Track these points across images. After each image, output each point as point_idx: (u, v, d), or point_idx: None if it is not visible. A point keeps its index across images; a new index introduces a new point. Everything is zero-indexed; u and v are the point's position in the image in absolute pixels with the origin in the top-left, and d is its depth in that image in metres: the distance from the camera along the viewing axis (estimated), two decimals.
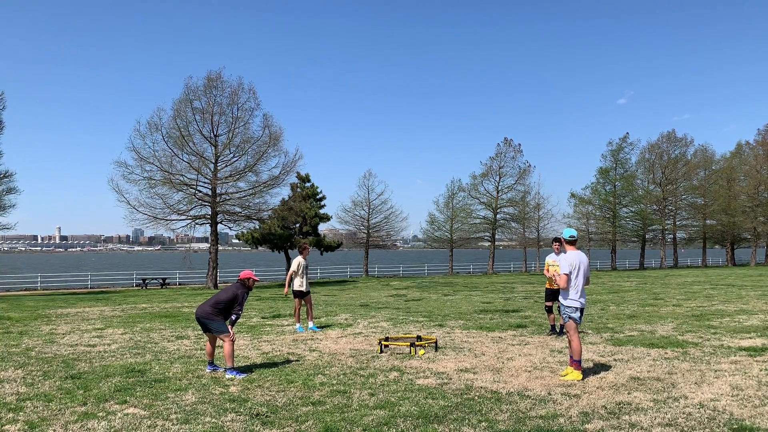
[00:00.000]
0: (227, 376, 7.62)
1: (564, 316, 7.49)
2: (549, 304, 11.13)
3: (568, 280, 7.41)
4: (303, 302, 12.22)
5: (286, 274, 36.19)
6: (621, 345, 9.69)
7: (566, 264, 7.43)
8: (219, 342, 8.59)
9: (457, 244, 53.01)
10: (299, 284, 12.14)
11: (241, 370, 7.96)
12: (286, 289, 12.34)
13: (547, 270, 10.96)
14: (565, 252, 7.66)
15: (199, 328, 12.86)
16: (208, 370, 7.96)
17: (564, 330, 7.68)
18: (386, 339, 9.79)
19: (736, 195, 56.91)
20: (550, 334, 10.88)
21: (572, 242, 7.65)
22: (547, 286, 11.21)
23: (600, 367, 7.92)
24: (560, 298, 7.56)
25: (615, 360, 8.42)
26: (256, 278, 8.27)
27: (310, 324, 12.16)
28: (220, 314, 7.89)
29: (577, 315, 7.40)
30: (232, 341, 7.82)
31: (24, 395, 6.80)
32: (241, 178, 32.98)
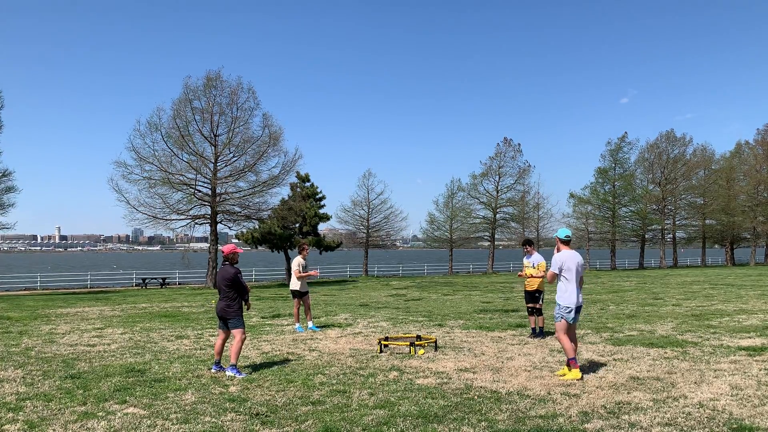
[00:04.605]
0: (227, 374, 7.64)
1: (557, 316, 7.52)
2: (530, 305, 10.87)
3: (557, 278, 7.50)
4: (301, 302, 12.22)
5: (286, 274, 36.43)
6: (620, 345, 9.69)
7: (555, 263, 7.54)
8: (227, 344, 8.67)
9: (456, 244, 53.01)
10: (298, 284, 12.13)
11: (242, 370, 7.94)
12: (298, 283, 12.14)
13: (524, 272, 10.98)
14: (558, 251, 7.70)
15: (197, 329, 12.88)
16: (213, 370, 7.94)
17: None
18: (386, 339, 9.79)
19: (736, 195, 56.84)
20: (534, 337, 10.59)
21: (567, 242, 7.71)
22: (526, 288, 11.07)
23: (599, 367, 7.92)
24: (556, 298, 7.60)
25: (614, 360, 8.42)
26: (240, 250, 8.38)
27: (310, 324, 12.16)
28: (237, 305, 7.99)
29: (571, 315, 7.42)
30: (243, 340, 7.90)
31: (24, 395, 6.80)
32: (240, 178, 33.03)
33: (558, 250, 7.68)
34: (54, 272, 54.63)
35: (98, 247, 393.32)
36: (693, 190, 57.07)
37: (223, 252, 8.25)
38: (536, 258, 10.91)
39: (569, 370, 7.33)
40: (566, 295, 7.46)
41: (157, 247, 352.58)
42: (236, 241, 36.86)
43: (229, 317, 7.96)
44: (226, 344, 8.41)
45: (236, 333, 7.94)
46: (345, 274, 47.58)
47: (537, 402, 6.22)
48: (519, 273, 11.32)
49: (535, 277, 10.83)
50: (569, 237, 7.76)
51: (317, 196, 38.87)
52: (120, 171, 30.79)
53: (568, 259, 7.50)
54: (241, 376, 7.60)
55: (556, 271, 7.51)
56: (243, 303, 8.16)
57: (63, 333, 12.18)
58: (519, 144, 63.02)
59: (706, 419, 5.53)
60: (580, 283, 7.57)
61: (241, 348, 7.89)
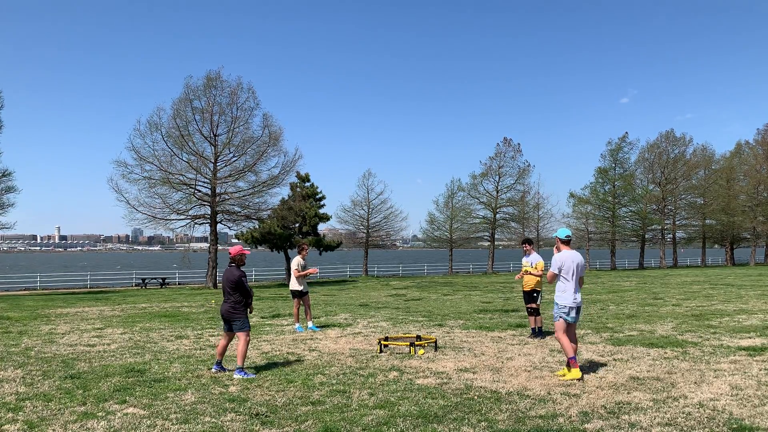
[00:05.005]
0: (235, 376, 7.60)
1: (555, 315, 7.53)
2: (530, 306, 10.84)
3: (556, 278, 7.52)
4: (301, 302, 12.22)
5: (286, 274, 36.44)
6: (620, 345, 9.70)
7: (555, 263, 7.56)
8: (232, 345, 8.66)
9: (456, 244, 53.01)
10: (297, 284, 12.14)
11: (248, 371, 7.90)
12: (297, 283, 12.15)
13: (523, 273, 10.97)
14: (558, 251, 7.70)
15: (197, 329, 12.88)
16: (213, 370, 7.93)
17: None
18: (386, 339, 9.79)
19: (736, 195, 56.88)
20: (534, 337, 10.56)
21: (567, 242, 7.72)
22: (524, 288, 11.11)
23: (599, 367, 7.92)
24: (555, 297, 7.61)
25: (614, 360, 8.42)
26: (247, 251, 8.37)
27: (310, 324, 12.16)
28: (242, 307, 7.98)
29: (569, 315, 7.43)
30: (248, 342, 7.89)
31: (23, 395, 6.80)
32: (240, 178, 33.00)
33: (558, 250, 7.69)
34: (57, 272, 54.61)
35: (98, 247, 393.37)
36: (693, 190, 57.10)
37: (230, 253, 8.21)
38: (534, 258, 10.92)
39: (569, 369, 7.33)
40: (565, 294, 7.47)
41: (157, 247, 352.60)
42: (236, 241, 36.85)
43: (234, 319, 7.93)
44: (228, 346, 8.39)
45: (241, 335, 7.89)
46: (345, 274, 47.58)
47: (537, 402, 6.21)
48: (516, 276, 11.30)
49: (533, 274, 10.84)
50: (569, 237, 7.77)
51: (317, 196, 38.88)
52: (120, 171, 30.77)
53: (568, 259, 7.52)
54: (249, 377, 7.57)
55: (556, 271, 7.52)
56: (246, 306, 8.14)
57: (63, 333, 12.17)
58: (519, 144, 62.95)
59: (706, 419, 5.53)
60: (579, 283, 7.57)
61: (246, 350, 7.86)
